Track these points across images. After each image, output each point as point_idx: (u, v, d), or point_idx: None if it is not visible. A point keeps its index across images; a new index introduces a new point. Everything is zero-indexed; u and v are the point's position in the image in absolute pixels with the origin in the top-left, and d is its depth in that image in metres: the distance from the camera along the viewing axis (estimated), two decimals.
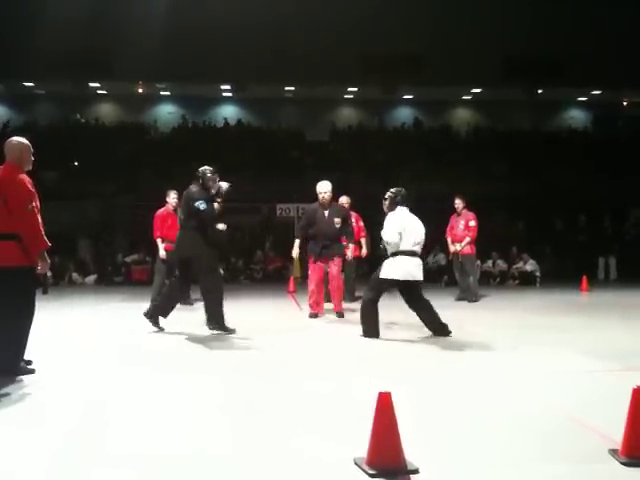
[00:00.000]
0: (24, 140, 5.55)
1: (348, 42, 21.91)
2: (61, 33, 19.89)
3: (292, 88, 25.53)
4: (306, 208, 9.75)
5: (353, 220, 10.39)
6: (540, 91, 25.32)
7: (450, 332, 7.21)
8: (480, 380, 5.22)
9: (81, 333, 7.92)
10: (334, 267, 9.19)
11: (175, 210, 10.81)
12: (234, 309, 10.77)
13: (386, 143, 23.60)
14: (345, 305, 9.74)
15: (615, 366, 5.73)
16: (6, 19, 20.80)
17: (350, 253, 9.42)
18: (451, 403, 4.50)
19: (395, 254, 7.08)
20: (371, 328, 7.23)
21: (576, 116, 27.77)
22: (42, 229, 5.30)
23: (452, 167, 21.69)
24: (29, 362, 5.49)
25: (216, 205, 7.54)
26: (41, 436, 3.80)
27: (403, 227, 7.12)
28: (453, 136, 25.37)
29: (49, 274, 13.04)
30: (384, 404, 3.24)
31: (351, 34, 21.86)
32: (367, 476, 3.18)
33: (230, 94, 26.51)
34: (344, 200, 10.63)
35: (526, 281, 15.54)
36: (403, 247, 7.07)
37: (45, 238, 5.30)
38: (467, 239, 11.23)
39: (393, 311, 9.13)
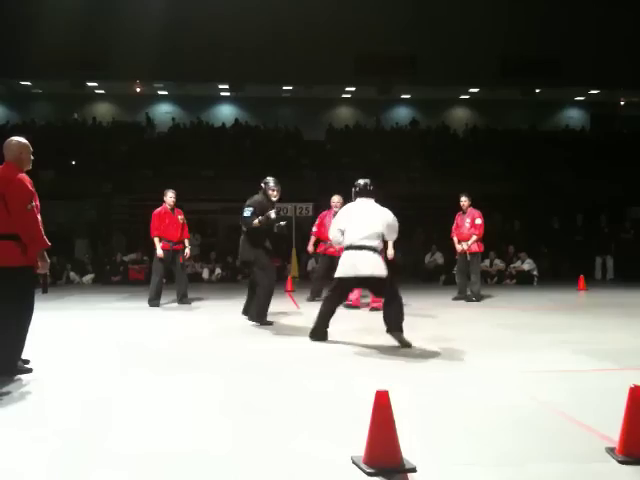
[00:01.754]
0: (23, 140, 5.53)
1: (345, 42, 21.95)
2: (59, 32, 19.92)
3: (289, 88, 25.56)
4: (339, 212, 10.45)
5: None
6: (537, 91, 25.39)
7: (409, 345, 6.52)
8: (476, 379, 5.22)
9: (80, 332, 7.91)
10: None
11: (172, 209, 10.83)
12: (233, 308, 10.79)
13: (383, 143, 23.62)
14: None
15: (612, 365, 5.74)
16: (3, 18, 20.79)
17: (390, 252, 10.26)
18: (448, 402, 4.51)
19: (345, 250, 6.72)
20: (320, 331, 6.91)
21: (573, 116, 27.84)
22: (42, 229, 5.30)
23: (449, 167, 21.75)
24: (26, 361, 5.49)
25: (255, 221, 8.11)
26: (41, 435, 3.80)
27: (346, 221, 6.72)
28: (450, 136, 25.41)
29: (48, 273, 13.04)
30: (381, 402, 3.25)
31: (348, 34, 21.90)
32: (365, 475, 3.19)
33: (227, 94, 26.53)
34: (336, 200, 10.94)
35: (523, 280, 15.55)
36: (349, 241, 6.62)
37: (45, 238, 5.29)
38: (474, 237, 11.16)
39: None
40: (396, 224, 6.85)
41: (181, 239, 10.84)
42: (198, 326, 8.46)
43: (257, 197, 8.38)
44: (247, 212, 8.17)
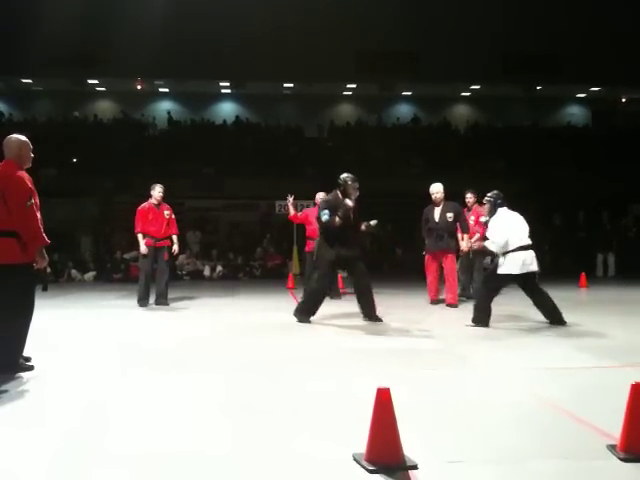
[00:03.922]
0: (23, 137, 5.52)
1: (346, 39, 21.92)
2: (60, 30, 19.89)
3: (291, 85, 25.54)
4: (424, 209, 10.60)
5: None
6: (539, 88, 25.36)
7: (564, 323, 7.87)
8: (477, 376, 5.22)
9: (81, 331, 7.91)
10: (448, 261, 10.18)
11: (157, 205, 10.41)
12: (234, 307, 10.81)
13: (384, 140, 23.61)
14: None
15: (613, 362, 5.74)
16: (5, 16, 20.76)
17: (466, 245, 10.46)
18: (449, 400, 4.50)
19: (509, 252, 7.58)
20: (484, 318, 7.82)
21: (575, 112, 27.80)
22: (41, 226, 5.30)
23: (450, 164, 21.71)
24: (28, 359, 5.49)
25: (337, 219, 7.93)
26: (41, 435, 3.80)
27: (509, 227, 7.68)
28: (452, 133, 25.38)
29: (48, 271, 13.04)
30: (383, 400, 3.25)
31: (349, 31, 21.88)
32: (366, 472, 3.19)
33: (229, 91, 26.52)
34: (320, 196, 10.95)
35: None
36: (515, 244, 7.56)
37: (44, 235, 5.29)
38: (477, 235, 11.05)
39: (397, 312, 9.18)
40: None
41: (166, 235, 10.45)
42: (199, 325, 8.44)
43: (327, 197, 8.21)
44: (325, 215, 7.98)
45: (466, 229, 10.49)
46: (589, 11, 22.36)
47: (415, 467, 3.22)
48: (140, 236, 10.28)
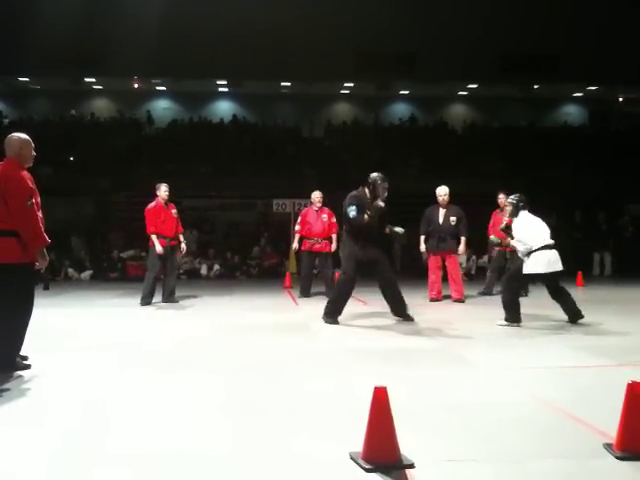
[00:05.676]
0: (24, 136, 5.49)
1: (344, 39, 21.93)
2: (57, 28, 19.89)
3: (288, 84, 25.53)
4: (426, 209, 10.80)
5: (325, 216, 10.83)
6: (535, 87, 25.39)
7: (582, 316, 7.92)
8: (475, 376, 5.24)
9: (78, 330, 7.90)
10: (451, 261, 10.45)
11: (166, 204, 10.45)
12: (231, 306, 10.80)
13: (381, 139, 23.61)
14: None
15: (610, 361, 5.76)
16: (2, 14, 20.72)
17: (462, 248, 10.62)
18: (447, 399, 4.51)
19: (532, 252, 7.69)
20: (515, 316, 7.85)
21: (572, 112, 27.83)
22: (42, 226, 5.29)
23: (447, 163, 21.71)
24: (25, 358, 5.49)
25: (365, 217, 7.78)
26: (41, 434, 3.79)
27: (530, 229, 7.83)
28: (449, 132, 25.39)
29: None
30: (380, 399, 3.26)
31: (347, 31, 21.89)
32: (363, 471, 3.20)
33: (226, 90, 26.51)
34: (317, 195, 11.03)
35: None
36: (538, 245, 7.67)
37: (45, 235, 5.29)
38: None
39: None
40: None
41: (176, 234, 10.54)
42: (197, 324, 8.43)
43: (355, 193, 7.96)
44: (353, 211, 7.75)
45: (465, 234, 10.58)
46: (586, 11, 22.39)
47: (412, 466, 3.23)
48: (154, 237, 10.22)
